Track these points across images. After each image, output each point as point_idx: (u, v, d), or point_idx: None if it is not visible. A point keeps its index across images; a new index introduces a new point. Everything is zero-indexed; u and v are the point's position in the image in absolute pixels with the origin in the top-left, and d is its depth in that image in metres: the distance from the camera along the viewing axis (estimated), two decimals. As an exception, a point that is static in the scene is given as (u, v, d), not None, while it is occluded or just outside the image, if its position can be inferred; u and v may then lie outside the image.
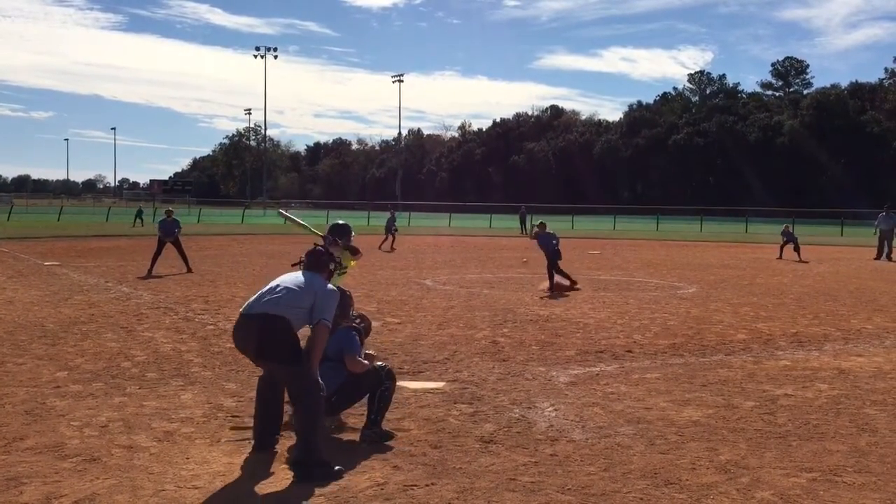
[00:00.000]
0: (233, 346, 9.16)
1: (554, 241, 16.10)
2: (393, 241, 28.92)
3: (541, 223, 16.86)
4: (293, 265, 5.93)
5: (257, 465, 5.18)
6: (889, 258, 26.04)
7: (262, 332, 5.15)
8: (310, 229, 7.68)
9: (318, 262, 5.69)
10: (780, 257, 26.60)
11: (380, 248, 27.68)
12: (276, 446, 5.47)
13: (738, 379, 7.86)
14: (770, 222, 60.99)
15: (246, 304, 5.41)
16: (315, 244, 7.17)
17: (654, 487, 4.82)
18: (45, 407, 6.45)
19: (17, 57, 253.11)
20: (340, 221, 7.42)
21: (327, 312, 5.28)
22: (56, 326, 10.38)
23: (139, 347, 9.08)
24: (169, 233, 18.35)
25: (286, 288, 5.30)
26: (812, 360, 8.94)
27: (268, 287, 5.41)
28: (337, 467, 5.01)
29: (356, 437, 5.80)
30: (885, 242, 26.64)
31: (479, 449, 5.54)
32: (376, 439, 5.66)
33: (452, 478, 4.95)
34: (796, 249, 26.84)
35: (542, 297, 14.38)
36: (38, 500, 4.52)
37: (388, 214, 31.96)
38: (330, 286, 5.49)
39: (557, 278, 15.62)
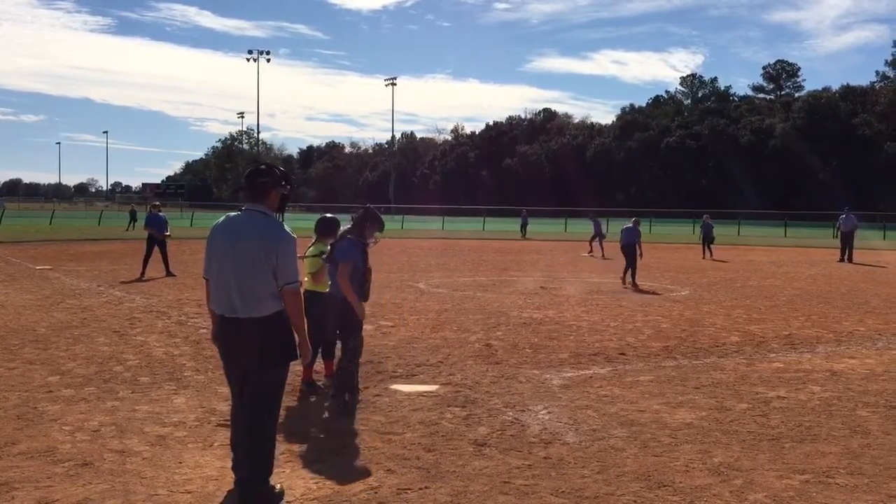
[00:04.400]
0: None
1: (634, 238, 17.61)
2: (601, 248, 28.59)
3: (636, 219, 18.58)
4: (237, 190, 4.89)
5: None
6: (850, 259, 26.21)
7: (261, 337, 4.45)
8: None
9: (258, 189, 4.56)
10: (704, 257, 27.03)
11: (592, 253, 28.24)
12: None
13: (730, 381, 7.88)
14: (762, 225, 61.30)
15: (218, 299, 4.56)
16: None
17: (647, 490, 4.82)
18: (36, 411, 6.42)
19: (5, 60, 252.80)
20: (328, 215, 7.75)
21: (291, 273, 4.47)
22: (48, 330, 10.34)
23: (131, 351, 9.05)
24: (160, 228, 18.25)
25: (250, 268, 4.42)
26: (804, 362, 8.97)
27: (230, 270, 4.47)
28: (278, 487, 4.67)
29: (351, 438, 5.79)
30: (847, 244, 26.85)
31: (473, 452, 5.53)
32: (334, 407, 6.58)
33: (446, 481, 4.95)
34: (708, 245, 27.26)
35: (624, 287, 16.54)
36: (30, 505, 4.50)
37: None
38: (284, 231, 4.52)
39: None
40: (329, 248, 7.03)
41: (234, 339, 4.53)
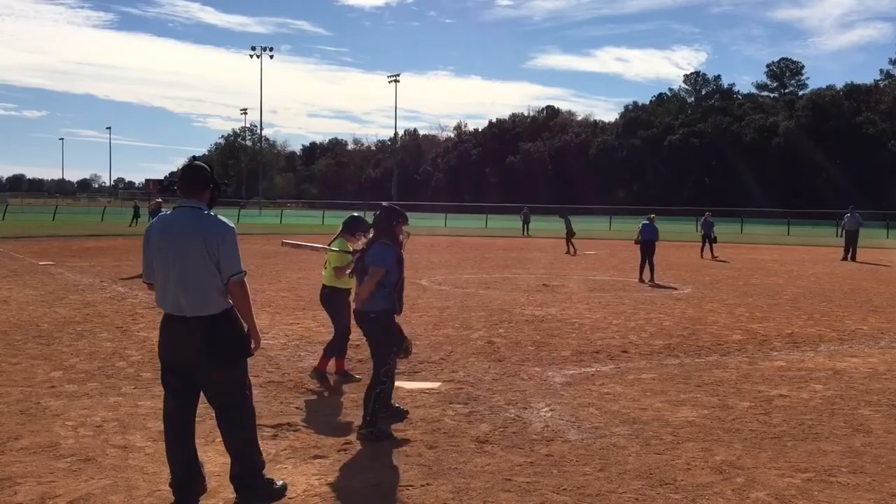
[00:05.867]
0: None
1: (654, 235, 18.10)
2: (569, 244, 28.73)
3: (652, 216, 18.70)
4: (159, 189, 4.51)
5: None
6: (854, 258, 26.15)
7: (210, 337, 4.35)
8: (318, 247, 7.81)
9: (200, 183, 4.47)
10: (703, 256, 26.77)
11: (572, 252, 27.92)
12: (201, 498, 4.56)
13: (733, 379, 7.88)
14: (766, 223, 61.18)
15: (164, 300, 4.54)
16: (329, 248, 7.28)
17: (649, 488, 4.83)
18: (39, 407, 6.44)
19: (7, 56, 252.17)
20: (356, 213, 7.64)
21: (234, 263, 4.37)
22: (51, 326, 10.36)
23: (134, 347, 9.07)
24: None
25: (194, 265, 4.34)
26: (807, 360, 8.96)
27: (173, 270, 4.40)
28: (280, 483, 4.66)
29: (354, 435, 5.80)
30: (851, 243, 26.80)
31: (475, 449, 5.54)
32: (372, 438, 5.69)
33: (448, 478, 4.95)
34: (711, 245, 27.08)
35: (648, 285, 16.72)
36: (33, 500, 4.51)
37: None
38: (223, 223, 4.39)
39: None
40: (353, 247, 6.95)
41: (181, 337, 4.42)
